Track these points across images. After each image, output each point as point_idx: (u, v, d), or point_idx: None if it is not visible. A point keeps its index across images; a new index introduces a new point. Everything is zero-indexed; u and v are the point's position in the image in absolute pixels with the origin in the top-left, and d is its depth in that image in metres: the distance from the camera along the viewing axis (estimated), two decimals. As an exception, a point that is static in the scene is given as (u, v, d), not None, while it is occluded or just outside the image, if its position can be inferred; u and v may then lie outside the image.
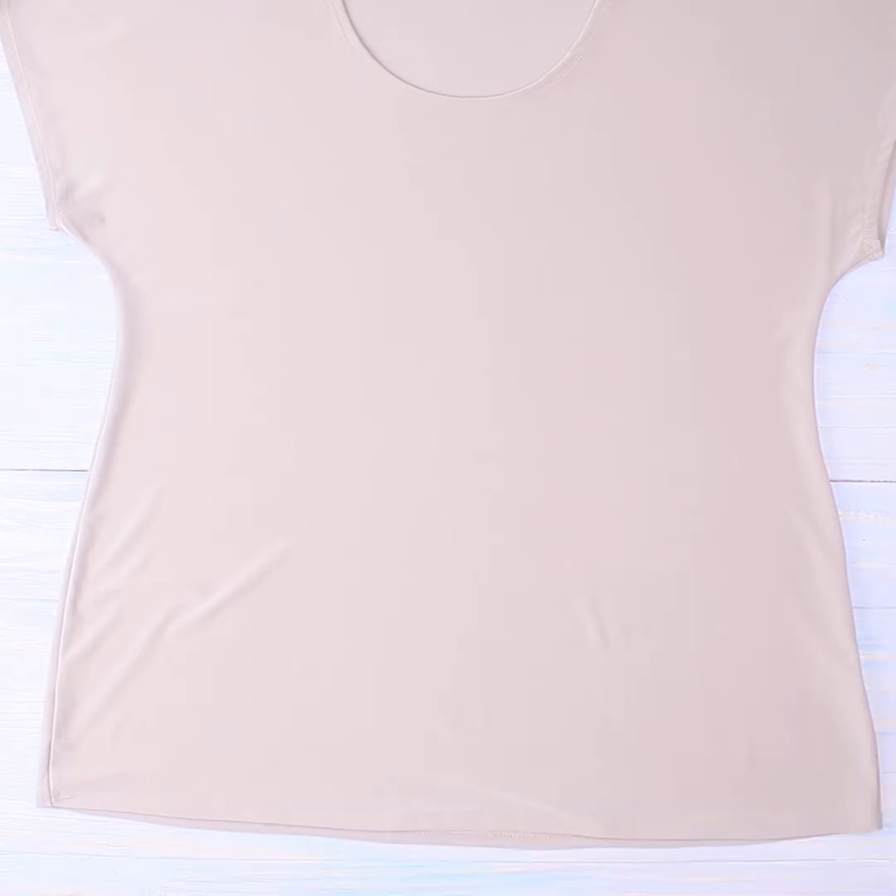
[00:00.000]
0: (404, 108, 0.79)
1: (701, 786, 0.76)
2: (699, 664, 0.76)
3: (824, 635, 0.76)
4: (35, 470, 0.80)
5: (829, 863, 0.77)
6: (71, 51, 0.79)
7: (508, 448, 0.78)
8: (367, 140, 0.79)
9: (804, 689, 0.76)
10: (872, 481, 0.80)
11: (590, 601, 0.77)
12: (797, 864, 0.77)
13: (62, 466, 0.80)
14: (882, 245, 0.80)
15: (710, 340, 0.78)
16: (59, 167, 0.79)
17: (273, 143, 0.79)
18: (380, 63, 0.79)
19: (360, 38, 0.79)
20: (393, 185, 0.79)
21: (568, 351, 0.78)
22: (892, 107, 0.79)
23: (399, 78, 0.79)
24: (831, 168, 0.79)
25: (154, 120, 0.79)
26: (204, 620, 0.77)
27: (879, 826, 0.76)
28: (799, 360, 0.78)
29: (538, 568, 0.77)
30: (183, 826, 0.76)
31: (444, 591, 0.77)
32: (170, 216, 0.78)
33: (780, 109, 0.79)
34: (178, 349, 0.78)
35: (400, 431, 0.78)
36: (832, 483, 0.78)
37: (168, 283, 0.78)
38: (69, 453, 0.80)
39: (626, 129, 0.79)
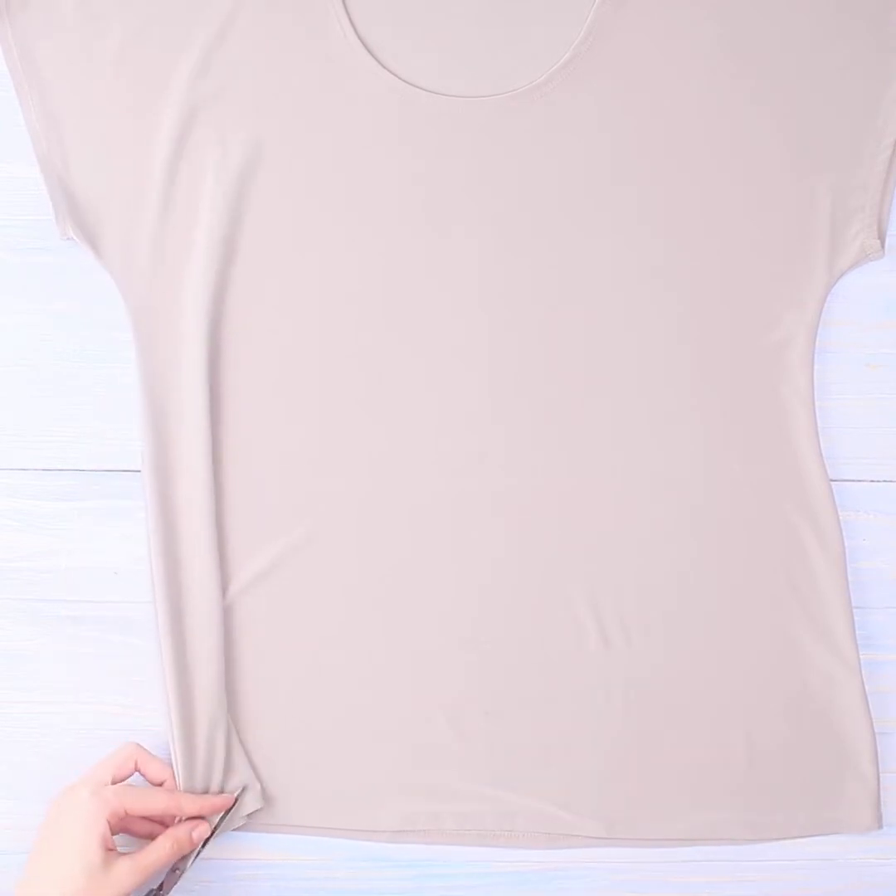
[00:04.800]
0: (404, 108, 0.79)
1: (701, 785, 0.76)
2: (699, 664, 0.76)
3: (824, 635, 0.76)
4: (35, 470, 0.80)
5: (829, 863, 0.77)
6: (71, 54, 0.78)
7: (509, 447, 0.78)
8: (366, 140, 0.79)
9: (804, 689, 0.76)
10: (872, 481, 0.80)
11: (590, 601, 0.77)
12: (797, 864, 0.77)
13: (62, 466, 0.80)
14: (882, 245, 0.80)
15: (710, 340, 0.78)
16: (64, 174, 0.78)
17: (273, 142, 0.78)
18: (380, 63, 0.79)
19: (360, 38, 0.79)
20: (393, 184, 0.79)
21: (568, 350, 0.78)
22: (892, 107, 0.79)
23: (399, 77, 0.79)
24: (831, 168, 0.79)
25: (154, 121, 0.78)
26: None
27: (879, 826, 0.76)
28: (799, 360, 0.78)
29: (539, 567, 0.77)
30: (183, 826, 0.76)
31: (445, 590, 0.77)
32: (169, 217, 0.78)
33: (780, 109, 0.79)
34: (178, 348, 0.78)
35: (401, 431, 0.78)
36: (832, 483, 0.78)
37: (170, 284, 0.78)
38: (69, 453, 0.80)
39: (627, 128, 0.79)
